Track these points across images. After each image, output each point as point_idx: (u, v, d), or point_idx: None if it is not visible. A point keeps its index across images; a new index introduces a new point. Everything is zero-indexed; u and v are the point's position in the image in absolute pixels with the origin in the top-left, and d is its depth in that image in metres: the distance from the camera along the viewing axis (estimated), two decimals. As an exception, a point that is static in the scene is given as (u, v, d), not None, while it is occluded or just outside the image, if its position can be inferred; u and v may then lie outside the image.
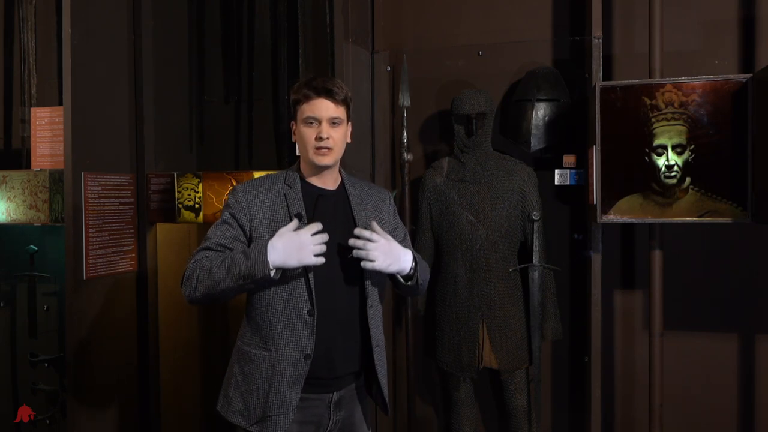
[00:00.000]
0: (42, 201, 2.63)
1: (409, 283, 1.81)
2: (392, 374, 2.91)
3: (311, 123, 1.73)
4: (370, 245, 1.68)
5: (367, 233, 1.69)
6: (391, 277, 1.80)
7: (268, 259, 1.60)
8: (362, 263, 1.69)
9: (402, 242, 1.91)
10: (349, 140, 1.82)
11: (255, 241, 1.72)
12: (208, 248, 1.74)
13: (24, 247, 2.95)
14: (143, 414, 2.87)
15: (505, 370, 2.57)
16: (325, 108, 1.72)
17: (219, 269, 1.65)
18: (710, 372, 2.61)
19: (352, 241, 1.69)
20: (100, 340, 2.62)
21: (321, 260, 1.64)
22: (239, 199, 1.75)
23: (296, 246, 1.61)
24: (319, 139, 1.71)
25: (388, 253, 1.71)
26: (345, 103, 1.76)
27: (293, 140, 1.81)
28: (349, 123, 1.81)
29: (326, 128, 1.72)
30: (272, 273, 1.62)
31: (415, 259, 1.81)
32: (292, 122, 1.80)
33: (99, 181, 2.60)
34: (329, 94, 1.72)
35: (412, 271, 1.79)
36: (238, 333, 1.84)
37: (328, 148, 1.72)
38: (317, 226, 1.65)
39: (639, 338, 2.67)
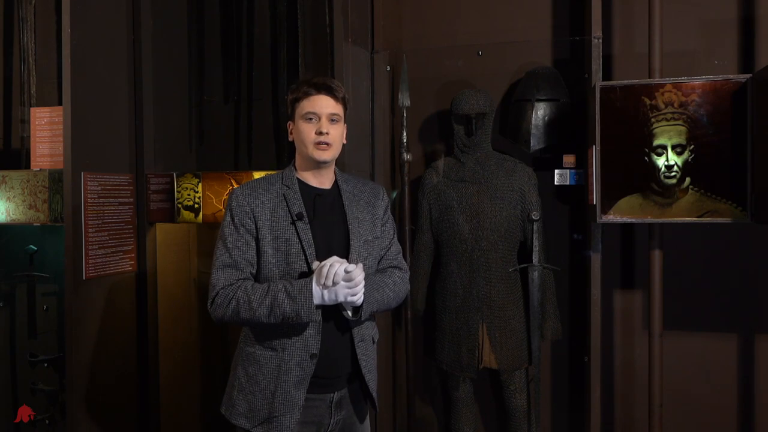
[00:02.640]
0: (41, 201, 2.63)
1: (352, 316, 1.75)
2: (392, 374, 2.92)
3: (311, 119, 1.75)
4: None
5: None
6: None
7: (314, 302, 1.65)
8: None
9: (390, 239, 1.92)
10: (344, 141, 1.84)
11: (260, 242, 1.72)
12: (233, 266, 1.72)
13: (23, 247, 2.94)
14: (143, 414, 2.87)
15: (504, 370, 2.57)
16: (325, 104, 1.74)
17: (260, 307, 1.66)
18: (710, 372, 2.61)
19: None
20: (99, 340, 2.62)
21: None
22: (241, 203, 1.75)
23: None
24: (319, 133, 1.73)
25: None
26: (343, 101, 1.79)
27: (290, 140, 1.82)
28: (345, 124, 1.83)
29: (326, 123, 1.74)
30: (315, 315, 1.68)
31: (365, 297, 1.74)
32: (289, 122, 1.81)
33: (98, 181, 2.60)
34: (329, 91, 1.75)
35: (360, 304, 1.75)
36: (240, 336, 1.84)
37: (328, 144, 1.74)
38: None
39: (639, 338, 2.66)
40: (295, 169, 1.83)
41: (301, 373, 1.71)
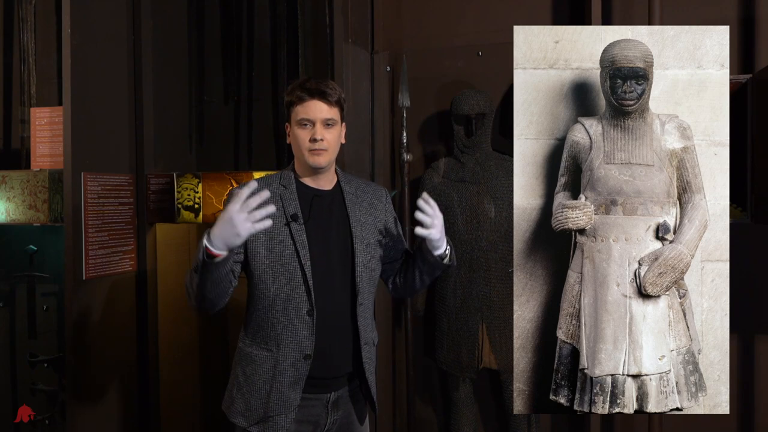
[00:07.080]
0: (41, 201, 2.63)
1: (445, 261, 1.83)
2: (392, 374, 2.92)
3: (305, 125, 1.73)
4: (436, 213, 1.73)
5: (430, 208, 1.73)
6: (427, 254, 1.81)
7: (205, 243, 1.55)
8: (420, 230, 1.73)
9: (399, 240, 1.93)
10: (343, 141, 1.83)
11: (251, 243, 1.72)
12: None
13: (23, 247, 2.95)
14: (143, 413, 2.87)
15: (504, 371, 2.57)
16: (318, 109, 1.72)
17: (194, 263, 1.62)
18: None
19: (421, 203, 1.73)
20: (99, 340, 2.62)
21: (260, 226, 1.55)
22: None
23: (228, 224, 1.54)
24: (313, 140, 1.72)
25: (441, 229, 1.77)
26: (338, 104, 1.76)
27: (288, 142, 1.82)
28: (343, 124, 1.82)
29: (320, 129, 1.72)
30: (211, 251, 1.55)
31: (449, 243, 1.85)
32: (287, 124, 1.80)
33: (98, 182, 2.60)
34: (323, 96, 1.72)
35: (447, 251, 1.83)
36: (239, 335, 1.85)
37: (323, 149, 1.73)
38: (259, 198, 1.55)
39: (639, 338, 2.66)
40: (294, 171, 1.82)
41: (295, 374, 1.72)
